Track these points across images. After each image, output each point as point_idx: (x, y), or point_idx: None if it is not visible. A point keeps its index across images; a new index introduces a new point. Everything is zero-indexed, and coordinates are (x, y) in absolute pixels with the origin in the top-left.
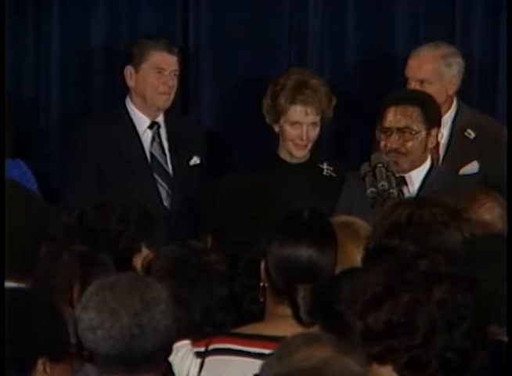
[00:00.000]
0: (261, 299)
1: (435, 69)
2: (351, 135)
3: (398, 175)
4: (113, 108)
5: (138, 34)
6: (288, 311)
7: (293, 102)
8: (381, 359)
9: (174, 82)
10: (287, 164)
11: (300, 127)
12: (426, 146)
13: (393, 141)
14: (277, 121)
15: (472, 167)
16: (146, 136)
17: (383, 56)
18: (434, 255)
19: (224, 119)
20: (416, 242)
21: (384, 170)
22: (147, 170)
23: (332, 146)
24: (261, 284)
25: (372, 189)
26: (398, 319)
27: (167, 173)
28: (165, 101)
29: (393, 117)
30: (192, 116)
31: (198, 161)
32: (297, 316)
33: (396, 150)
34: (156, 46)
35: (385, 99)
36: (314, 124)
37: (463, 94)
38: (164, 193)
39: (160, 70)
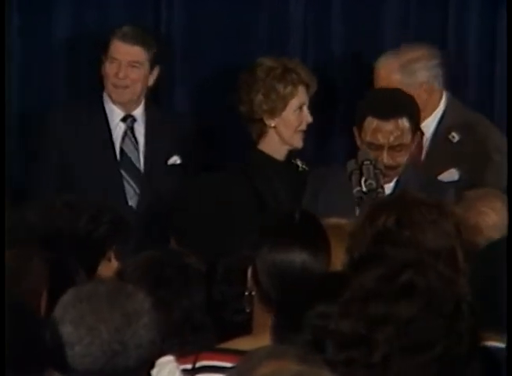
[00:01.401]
0: (248, 309)
1: (397, 80)
2: (335, 131)
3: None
4: (89, 97)
5: (108, 24)
6: None
7: (296, 84)
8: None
9: (129, 74)
10: (275, 161)
11: (304, 109)
12: (411, 151)
13: (384, 157)
14: (277, 113)
15: (450, 175)
16: (119, 130)
17: (370, 48)
18: (430, 263)
19: (200, 113)
20: (412, 245)
21: (371, 168)
22: (114, 165)
23: (314, 141)
24: (248, 293)
25: (358, 188)
26: (360, 330)
27: (138, 170)
28: (119, 95)
29: (382, 135)
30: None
31: (178, 161)
32: None
33: (387, 166)
34: (117, 34)
35: (365, 104)
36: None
37: (457, 90)
38: (130, 192)
39: (112, 60)
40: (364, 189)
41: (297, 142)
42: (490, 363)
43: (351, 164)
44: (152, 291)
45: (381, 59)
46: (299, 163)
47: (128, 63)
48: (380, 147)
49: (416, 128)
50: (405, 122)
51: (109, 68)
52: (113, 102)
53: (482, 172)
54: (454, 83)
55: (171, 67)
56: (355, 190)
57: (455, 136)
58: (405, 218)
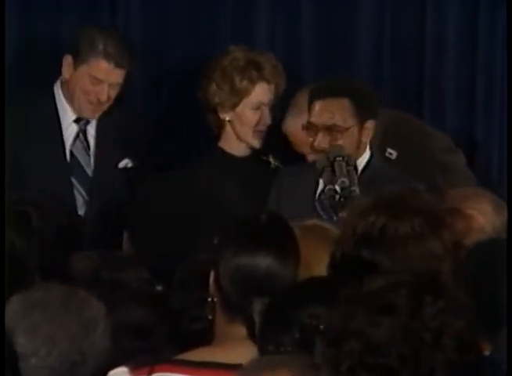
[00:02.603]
0: (210, 317)
1: None
2: None
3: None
4: (42, 94)
5: (61, 19)
6: (242, 331)
7: (255, 81)
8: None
9: (110, 95)
10: (234, 158)
11: (263, 109)
12: (359, 141)
13: (320, 140)
14: (234, 107)
15: None
16: (71, 131)
17: (342, 35)
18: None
19: (160, 110)
20: (390, 256)
21: (344, 164)
22: (64, 170)
23: (281, 136)
24: (209, 299)
25: (330, 186)
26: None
27: (87, 176)
28: (93, 112)
29: (318, 114)
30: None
31: (130, 164)
32: (251, 335)
33: (324, 151)
34: (101, 53)
35: (312, 89)
36: (270, 105)
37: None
38: (79, 200)
39: (95, 80)
40: (336, 187)
41: (253, 141)
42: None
43: (322, 161)
44: None
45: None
46: (271, 160)
47: (111, 85)
48: (314, 127)
49: (364, 117)
50: (345, 103)
51: (90, 86)
52: (68, 100)
53: (439, 180)
54: (432, 91)
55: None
56: (326, 189)
57: (392, 153)
58: (391, 227)
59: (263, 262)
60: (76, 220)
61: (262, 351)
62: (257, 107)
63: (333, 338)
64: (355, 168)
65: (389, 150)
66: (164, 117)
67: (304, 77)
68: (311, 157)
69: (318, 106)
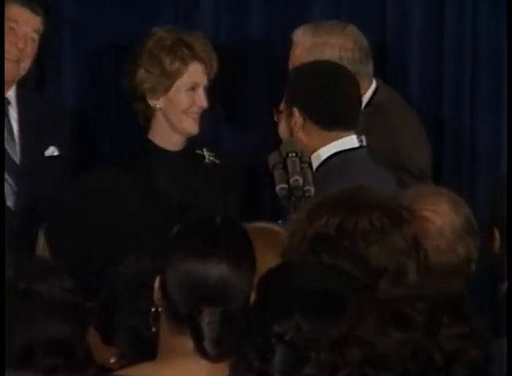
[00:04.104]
0: (153, 329)
1: (301, 62)
2: (251, 114)
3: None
4: None
5: None
6: (190, 344)
7: (187, 60)
8: None
9: (26, 47)
10: (166, 152)
11: (198, 91)
12: (291, 129)
13: None
14: (166, 91)
15: None
16: None
17: (293, 16)
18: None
19: (90, 97)
20: (351, 257)
21: (297, 161)
22: None
23: (224, 127)
24: (154, 309)
25: (282, 185)
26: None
27: (15, 164)
28: (10, 69)
29: None
30: (50, 94)
31: (56, 152)
32: (200, 348)
33: None
34: None
35: None
36: (206, 87)
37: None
38: (7, 189)
39: (12, 26)
40: (289, 186)
41: (189, 127)
42: None
43: (274, 157)
44: None
45: (295, 33)
46: (206, 154)
47: (25, 35)
48: None
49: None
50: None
51: (6, 34)
52: None
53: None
54: (395, 75)
55: (57, 42)
56: (277, 188)
57: (363, 140)
58: (349, 223)
59: (215, 268)
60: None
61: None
62: (192, 88)
63: (334, 343)
64: (310, 165)
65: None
66: (93, 104)
67: (250, 60)
68: None
69: None
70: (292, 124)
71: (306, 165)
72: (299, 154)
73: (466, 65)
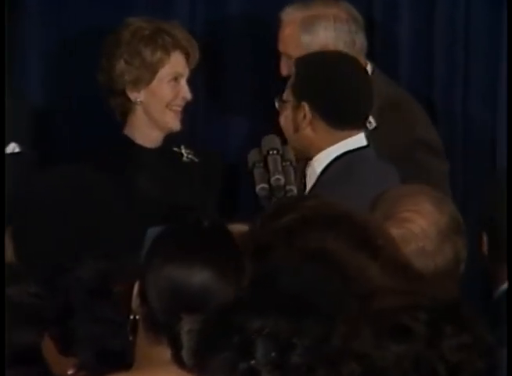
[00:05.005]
0: (131, 337)
1: (294, 40)
2: (232, 108)
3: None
4: None
5: None
6: (167, 354)
7: (169, 49)
8: None
9: None
10: (143, 149)
11: (181, 82)
12: (297, 123)
13: None
14: (148, 83)
15: None
16: None
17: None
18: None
19: (56, 91)
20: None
21: (279, 159)
22: None
23: (203, 123)
24: (132, 317)
25: (263, 185)
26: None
27: None
28: None
29: None
30: (15, 88)
31: (17, 149)
32: (177, 358)
33: None
34: None
35: None
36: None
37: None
38: None
39: None
40: (270, 186)
41: (171, 122)
42: None
43: (254, 155)
44: None
45: (284, 11)
46: (184, 151)
47: None
48: None
49: (301, 95)
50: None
51: None
52: None
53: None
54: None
55: (22, 31)
56: (258, 188)
57: (371, 122)
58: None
59: (198, 274)
60: None
61: None
62: (175, 79)
63: (331, 359)
64: (292, 163)
65: (370, 118)
66: (60, 99)
67: (227, 52)
68: None
69: None
70: (299, 119)
71: (288, 163)
72: (281, 152)
73: (458, 50)
